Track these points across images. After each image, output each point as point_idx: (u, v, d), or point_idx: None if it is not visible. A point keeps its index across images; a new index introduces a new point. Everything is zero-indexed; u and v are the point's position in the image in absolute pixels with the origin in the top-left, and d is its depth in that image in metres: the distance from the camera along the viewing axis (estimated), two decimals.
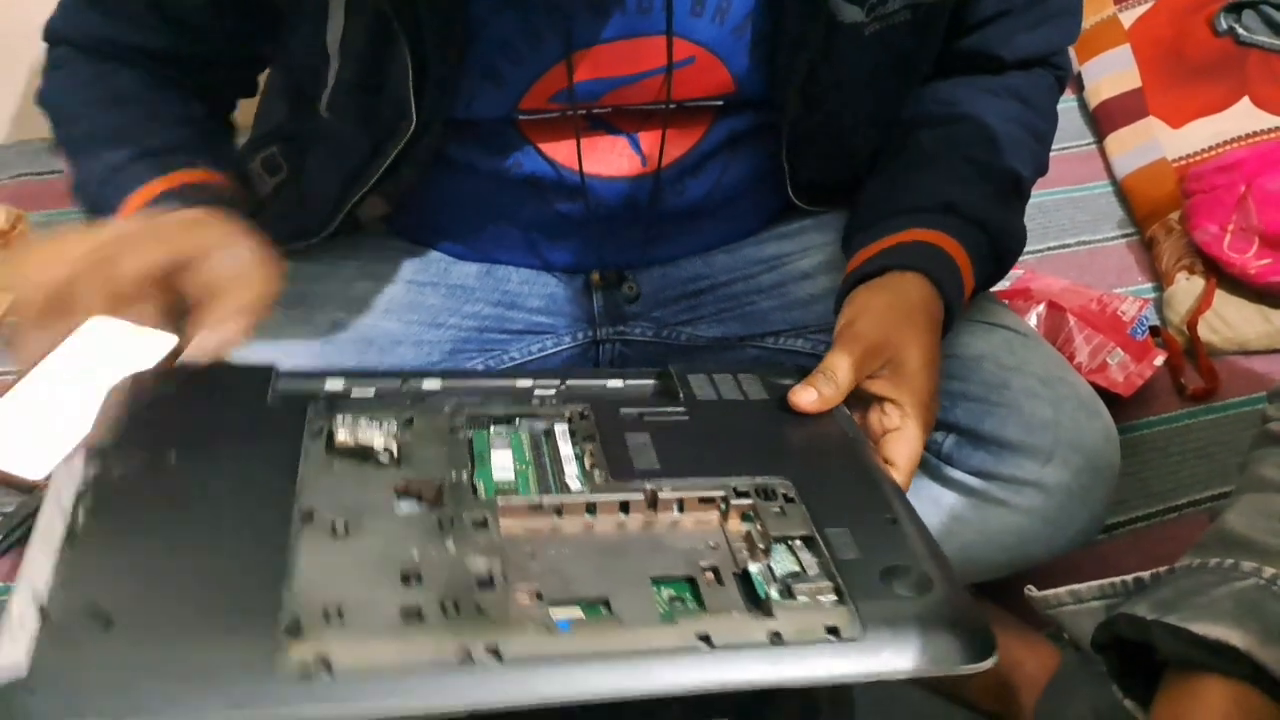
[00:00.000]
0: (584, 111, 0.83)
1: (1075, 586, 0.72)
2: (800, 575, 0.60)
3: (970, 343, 0.87)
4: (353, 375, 0.75)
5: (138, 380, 0.75)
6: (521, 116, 0.83)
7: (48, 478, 1.09)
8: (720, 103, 0.84)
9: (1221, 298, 1.27)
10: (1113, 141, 1.51)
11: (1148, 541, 1.06)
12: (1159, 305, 1.30)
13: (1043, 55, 0.93)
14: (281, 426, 0.68)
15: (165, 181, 0.77)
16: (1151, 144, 1.46)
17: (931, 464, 0.86)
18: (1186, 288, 1.28)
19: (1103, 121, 1.54)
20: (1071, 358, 1.16)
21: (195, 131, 0.84)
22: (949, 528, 0.85)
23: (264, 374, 0.74)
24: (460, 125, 0.84)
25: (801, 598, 0.58)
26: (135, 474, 0.63)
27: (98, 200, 0.80)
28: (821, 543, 0.62)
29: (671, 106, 0.83)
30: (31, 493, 1.06)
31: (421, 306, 0.93)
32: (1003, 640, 0.91)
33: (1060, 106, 1.45)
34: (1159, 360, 1.19)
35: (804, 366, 0.82)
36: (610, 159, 0.86)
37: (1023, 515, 0.84)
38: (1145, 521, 1.08)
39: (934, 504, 0.86)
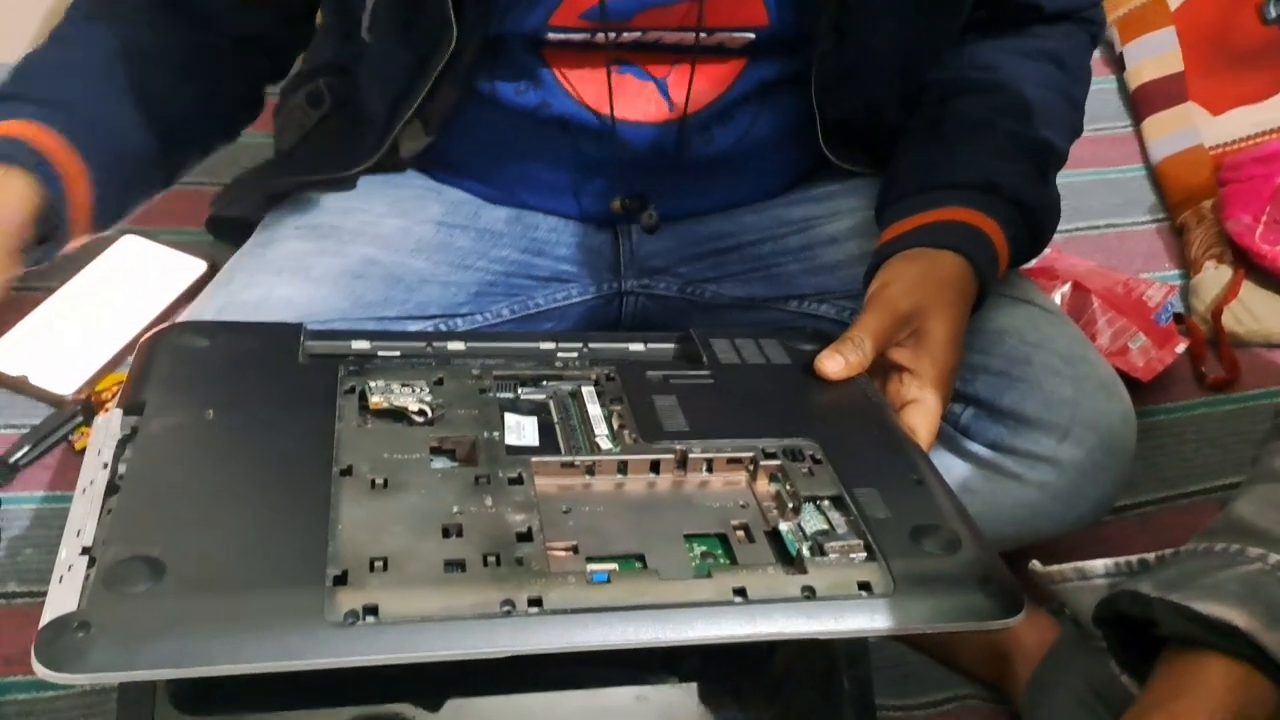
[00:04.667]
0: (613, 35, 0.82)
1: (1080, 563, 0.73)
2: (830, 533, 0.61)
3: (995, 317, 0.87)
4: (378, 337, 0.76)
5: (169, 332, 0.76)
6: (551, 35, 0.82)
7: (76, 391, 1.12)
8: (752, 35, 0.84)
9: (1249, 289, 1.26)
10: (1150, 125, 1.50)
11: (1155, 526, 1.06)
12: (1185, 292, 1.30)
13: (1079, 7, 0.93)
14: (314, 384, 0.68)
15: None
16: (1189, 130, 1.45)
17: (947, 434, 0.87)
18: (1214, 276, 1.28)
19: (1141, 104, 1.53)
20: (1093, 339, 1.16)
21: (93, 87, 0.83)
22: (961, 498, 0.86)
23: (293, 331, 0.75)
24: (495, 52, 0.84)
25: (833, 555, 0.59)
26: (174, 429, 0.64)
27: None
28: (850, 502, 0.63)
29: (702, 36, 0.83)
30: (60, 407, 1.07)
31: (450, 248, 0.94)
32: None
33: (1099, 87, 1.43)
34: (1180, 348, 1.18)
35: (825, 332, 0.82)
36: (638, 103, 0.87)
37: (1035, 490, 0.85)
38: (1154, 506, 1.08)
39: (947, 474, 0.85)
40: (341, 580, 0.54)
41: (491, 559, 0.56)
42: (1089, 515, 0.88)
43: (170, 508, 0.58)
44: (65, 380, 1.09)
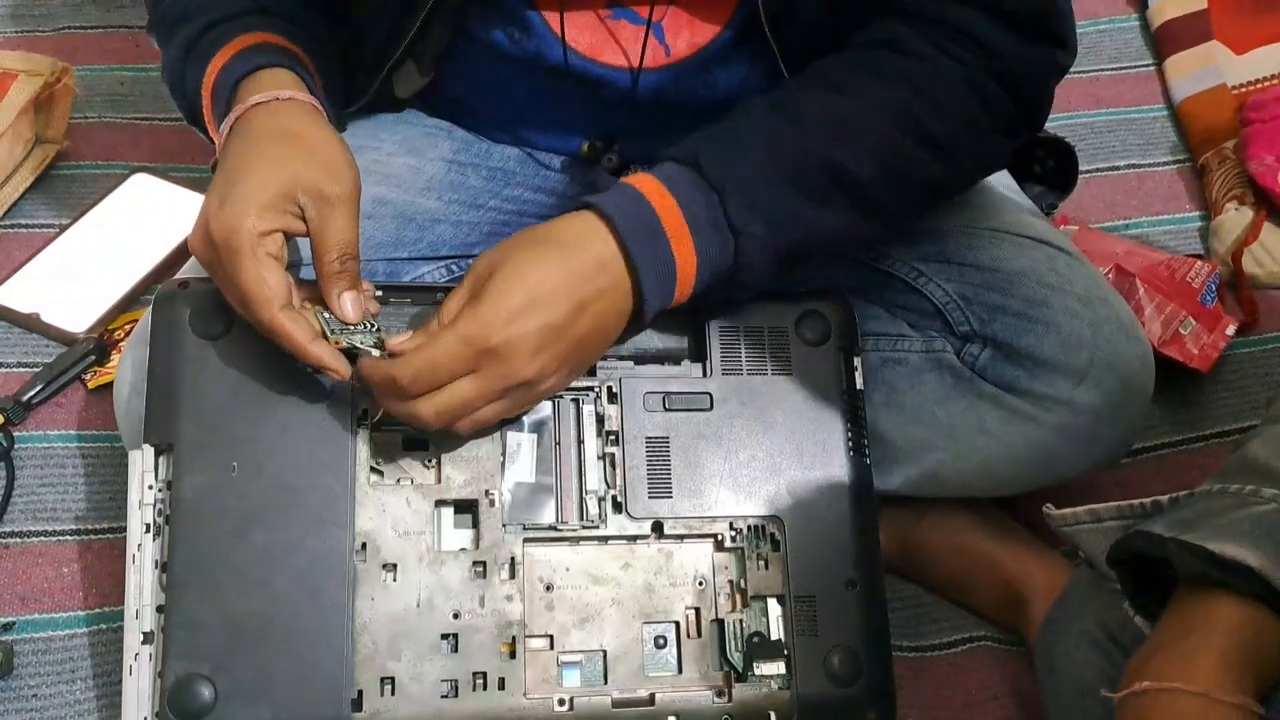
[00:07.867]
0: None
1: (1094, 506, 0.74)
2: (763, 642, 0.77)
3: (1013, 258, 0.87)
4: (390, 289, 0.79)
5: (176, 306, 0.77)
6: None
7: (88, 329, 1.12)
8: None
9: (1269, 231, 1.25)
10: (1172, 64, 1.47)
11: (1170, 468, 1.06)
12: (1205, 234, 1.29)
13: (959, 28, 0.78)
14: (331, 412, 0.76)
15: (230, 49, 0.78)
16: (1212, 69, 1.43)
17: (965, 376, 0.86)
18: (1235, 218, 1.26)
19: (1163, 43, 1.50)
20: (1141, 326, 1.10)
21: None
22: (976, 440, 0.86)
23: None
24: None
25: (760, 669, 0.76)
26: (205, 490, 0.74)
27: (182, 85, 0.82)
28: (787, 610, 0.77)
29: None
30: (72, 345, 1.08)
31: (462, 187, 0.93)
32: (1015, 553, 0.93)
33: (1120, 25, 1.40)
34: (1230, 329, 1.13)
35: (840, 307, 0.84)
36: (633, 49, 0.85)
37: (1050, 433, 0.85)
38: (1170, 449, 1.08)
39: (963, 416, 0.86)
40: (358, 705, 0.72)
41: (479, 681, 0.73)
42: (1105, 458, 0.88)
43: (213, 614, 0.72)
44: (77, 318, 1.09)
